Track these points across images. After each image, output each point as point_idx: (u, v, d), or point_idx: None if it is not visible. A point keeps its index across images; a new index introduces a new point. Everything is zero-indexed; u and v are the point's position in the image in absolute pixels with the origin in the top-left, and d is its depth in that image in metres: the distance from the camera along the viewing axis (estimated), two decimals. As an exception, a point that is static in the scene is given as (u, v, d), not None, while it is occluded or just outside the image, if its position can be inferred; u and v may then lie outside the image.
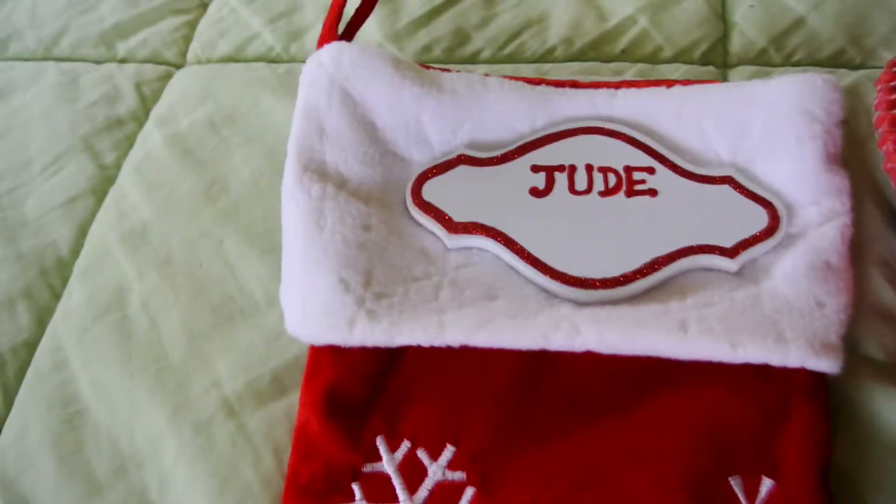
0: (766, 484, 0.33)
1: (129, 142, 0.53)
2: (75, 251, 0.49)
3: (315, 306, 0.37)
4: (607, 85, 0.44)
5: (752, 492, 0.33)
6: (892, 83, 0.36)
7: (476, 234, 0.39)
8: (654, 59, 0.51)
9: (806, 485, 0.33)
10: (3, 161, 0.53)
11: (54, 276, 0.48)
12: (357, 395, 0.37)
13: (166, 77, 0.56)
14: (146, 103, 0.55)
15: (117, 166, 0.52)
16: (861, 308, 0.39)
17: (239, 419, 0.40)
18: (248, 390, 0.41)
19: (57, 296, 0.47)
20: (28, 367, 0.45)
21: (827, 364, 0.35)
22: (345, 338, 0.37)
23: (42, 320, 0.46)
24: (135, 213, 0.49)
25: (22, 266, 0.48)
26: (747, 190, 0.40)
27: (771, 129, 0.40)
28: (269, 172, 0.49)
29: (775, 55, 0.50)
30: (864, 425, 0.37)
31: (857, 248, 0.40)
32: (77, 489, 0.40)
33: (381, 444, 0.36)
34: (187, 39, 0.59)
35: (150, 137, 0.52)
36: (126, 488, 0.40)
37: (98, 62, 0.58)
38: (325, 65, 0.42)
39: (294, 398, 0.40)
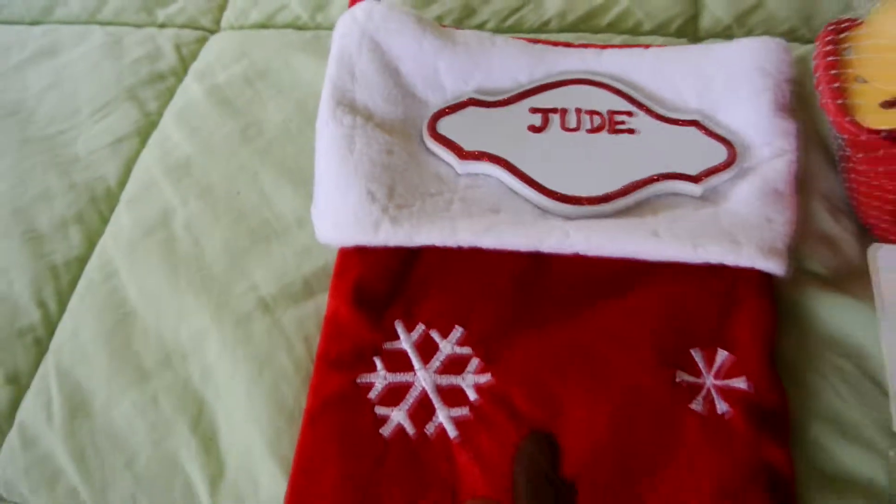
0: (722, 355, 0.40)
1: (171, 93, 0.59)
2: (122, 183, 0.55)
3: (346, 215, 0.44)
4: (595, 46, 0.52)
5: (709, 360, 0.40)
6: (827, 38, 0.44)
7: (483, 161, 0.46)
8: (635, 31, 0.59)
9: (753, 355, 0.40)
10: (54, 108, 0.60)
11: (103, 204, 0.54)
12: (380, 288, 0.44)
13: (203, 40, 0.63)
14: (185, 61, 0.61)
15: (160, 113, 0.58)
16: (805, 233, 0.47)
17: (274, 315, 0.46)
18: (281, 292, 0.47)
19: (105, 220, 0.53)
20: (80, 279, 0.51)
21: (773, 265, 0.42)
22: (370, 239, 0.43)
23: (92, 240, 0.52)
24: (177, 150, 0.55)
25: (74, 195, 0.54)
26: (711, 131, 0.47)
27: (731, 83, 0.48)
28: (298, 119, 0.55)
29: (738, 31, 0.58)
30: (804, 323, 0.44)
31: (803, 185, 0.48)
32: (127, 377, 0.46)
33: (399, 326, 0.43)
34: (221, 8, 0.66)
35: (190, 89, 0.59)
36: (172, 376, 0.46)
37: (139, 26, 0.65)
38: (357, 19, 0.49)
39: (322, 299, 0.46)
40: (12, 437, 0.45)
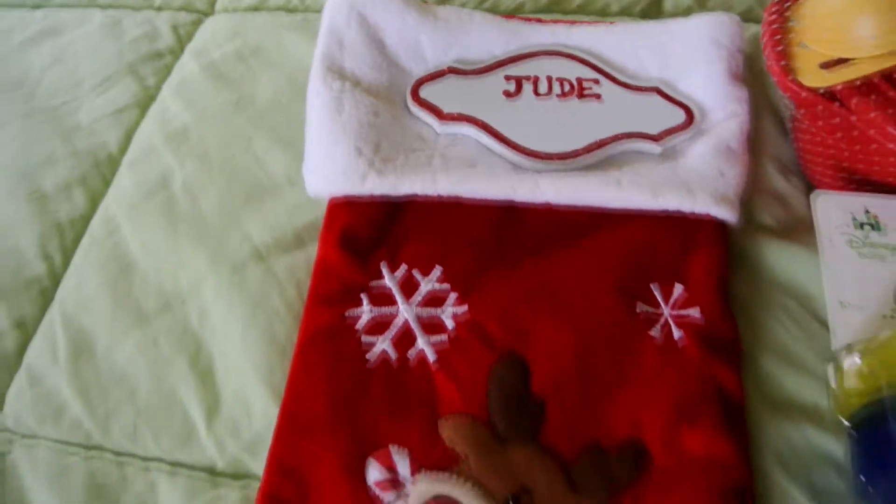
0: (678, 288, 0.44)
1: (168, 69, 0.63)
2: (123, 149, 0.58)
3: (335, 169, 0.48)
4: (565, 22, 0.56)
5: (667, 294, 0.44)
6: (773, 9, 0.48)
7: (461, 122, 0.50)
8: (603, 13, 0.63)
9: (707, 289, 0.44)
10: (56, 82, 0.63)
11: (106, 168, 0.57)
12: (366, 236, 0.47)
13: (198, 22, 0.67)
14: (182, 41, 0.65)
15: (158, 87, 0.62)
16: (757, 190, 0.51)
17: (267, 263, 0.50)
18: (274, 243, 0.51)
19: (108, 182, 0.57)
20: (83, 235, 0.54)
21: (725, 212, 0.46)
22: (358, 189, 0.47)
23: (95, 201, 0.56)
24: (175, 120, 0.59)
25: (77, 160, 0.58)
26: (670, 97, 0.52)
27: (688, 54, 0.52)
28: (289, 91, 0.59)
29: (699, 13, 0.63)
30: (755, 269, 0.48)
31: (755, 148, 0.52)
32: (128, 321, 0.49)
33: (384, 267, 0.46)
34: (216, -8, 0.70)
35: (187, 66, 0.63)
36: (171, 319, 0.49)
37: (137, 9, 0.68)
38: (346, -5, 0.54)
39: (311, 249, 0.50)
40: (20, 376, 0.48)
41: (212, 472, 0.44)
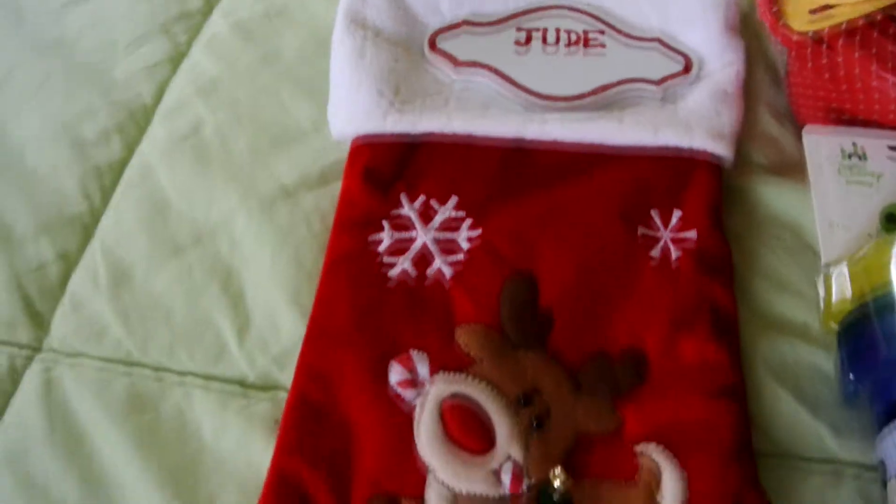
0: (677, 214, 0.48)
1: (198, 28, 0.67)
2: (157, 101, 0.62)
3: (358, 110, 0.52)
4: (572, -20, 0.60)
5: (666, 219, 0.48)
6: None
7: (475, 68, 0.54)
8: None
9: (702, 214, 0.48)
10: (92, 42, 0.67)
11: (140, 118, 0.61)
12: (386, 171, 0.51)
13: (227, -13, 0.71)
14: (211, 2, 0.69)
15: (189, 45, 0.66)
16: (752, 134, 0.54)
17: (295, 199, 0.54)
18: (301, 181, 0.54)
19: (143, 131, 0.60)
20: (121, 179, 0.58)
21: (720, 148, 0.50)
22: (380, 126, 0.51)
23: (131, 148, 0.59)
24: (205, 74, 0.62)
25: (114, 110, 0.61)
26: (671, 46, 0.55)
27: (688, 7, 0.56)
28: (313, 47, 0.62)
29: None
30: (749, 204, 0.52)
31: (751, 96, 0.55)
32: (164, 253, 0.53)
33: (403, 198, 0.50)
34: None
35: (216, 24, 0.66)
36: (203, 250, 0.53)
37: (167, -24, 0.72)
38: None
39: (336, 187, 0.53)
40: (64, 303, 0.52)
41: (242, 384, 0.48)
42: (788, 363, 0.46)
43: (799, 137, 0.54)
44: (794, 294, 0.48)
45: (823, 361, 0.46)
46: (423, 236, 0.48)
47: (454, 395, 0.42)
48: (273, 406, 0.46)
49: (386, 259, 0.47)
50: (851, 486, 0.42)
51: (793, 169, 0.52)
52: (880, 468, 0.41)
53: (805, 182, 0.51)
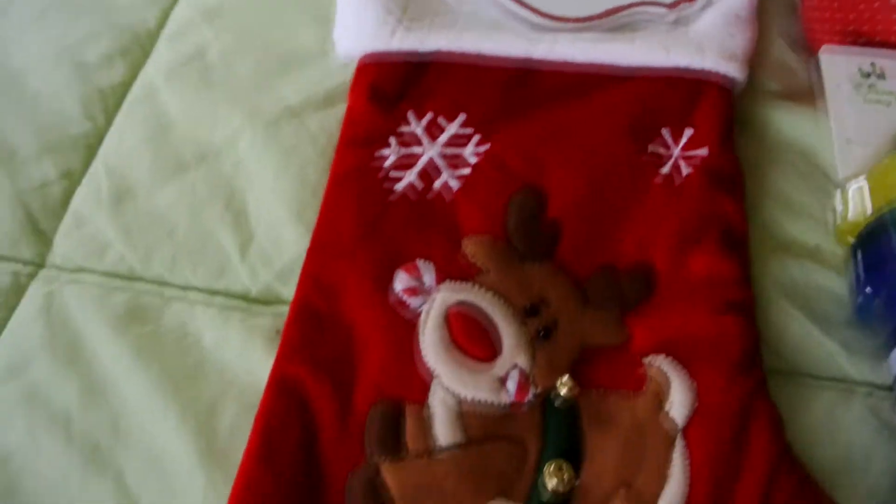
0: (688, 132, 0.47)
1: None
2: (161, 25, 0.61)
3: (365, 28, 0.51)
4: None
5: (677, 137, 0.47)
6: None
7: (485, -9, 0.53)
8: None
9: (714, 132, 0.47)
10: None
11: (145, 41, 0.60)
12: (393, 89, 0.50)
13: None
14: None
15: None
16: (765, 62, 0.54)
17: (300, 119, 0.53)
18: (307, 102, 0.54)
19: (147, 54, 0.59)
20: (124, 100, 0.57)
21: (732, 69, 0.49)
22: (387, 44, 0.50)
23: (135, 70, 0.59)
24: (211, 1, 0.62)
25: (118, 33, 0.60)
26: (684, -29, 0.54)
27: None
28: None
29: None
30: (762, 129, 0.51)
31: (763, 23, 0.54)
32: (167, 171, 0.52)
33: (410, 115, 0.49)
34: None
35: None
36: (207, 168, 0.52)
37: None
38: None
39: (341, 108, 0.52)
40: (67, 220, 0.51)
41: (245, 298, 0.47)
42: (799, 284, 0.45)
43: (811, 65, 0.53)
44: (806, 217, 0.47)
45: (835, 283, 0.45)
46: (429, 151, 0.47)
47: (460, 303, 0.41)
48: (275, 319, 0.45)
49: (392, 174, 0.46)
50: (862, 404, 0.42)
51: (805, 96, 0.52)
52: (894, 384, 0.40)
53: (817, 108, 0.50)
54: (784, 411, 0.40)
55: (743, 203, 0.46)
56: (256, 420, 0.40)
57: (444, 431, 0.38)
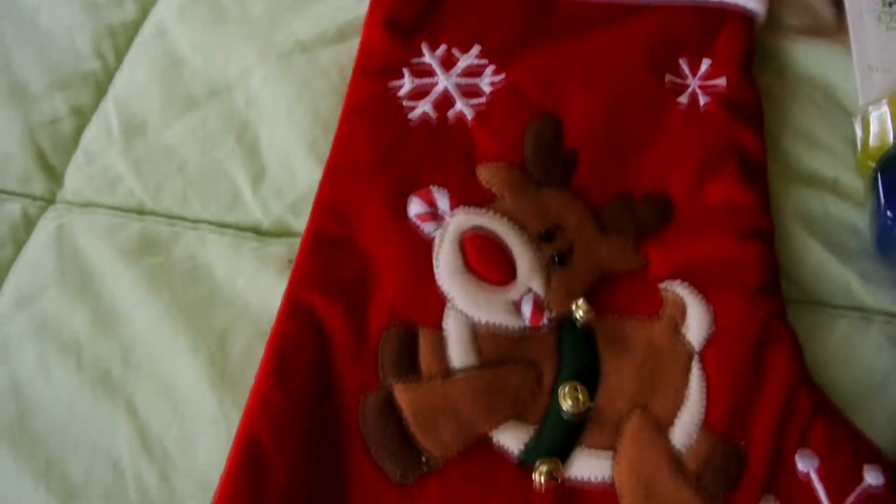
0: (706, 62, 0.46)
1: None
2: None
3: (379, -40, 0.50)
4: None
5: (695, 67, 0.47)
6: None
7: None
8: None
9: (733, 61, 0.46)
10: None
11: (158, -19, 0.60)
12: (407, 20, 0.49)
13: None
14: None
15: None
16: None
17: (312, 53, 0.52)
18: (319, 37, 0.53)
19: (159, -8, 0.59)
20: (135, 37, 0.56)
21: (753, 1, 0.48)
22: (402, -25, 0.49)
23: (146, 9, 0.58)
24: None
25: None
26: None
27: None
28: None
29: None
30: (782, 63, 0.50)
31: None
32: (178, 106, 0.52)
33: (424, 47, 0.48)
34: None
35: None
36: (219, 103, 0.52)
37: None
38: None
39: (354, 43, 0.52)
40: (77, 155, 0.51)
41: (257, 231, 0.47)
42: (818, 215, 0.45)
43: (832, 3, 0.52)
44: (825, 150, 0.47)
45: (853, 215, 0.44)
46: (444, 81, 0.47)
47: (475, 228, 0.41)
48: (288, 249, 0.45)
49: (406, 103, 0.46)
50: (880, 332, 0.41)
51: (828, 32, 0.51)
52: (913, 311, 0.39)
53: (838, 43, 0.49)
54: (802, 339, 0.40)
55: (762, 134, 0.45)
56: (269, 343, 0.39)
57: (458, 354, 0.38)
